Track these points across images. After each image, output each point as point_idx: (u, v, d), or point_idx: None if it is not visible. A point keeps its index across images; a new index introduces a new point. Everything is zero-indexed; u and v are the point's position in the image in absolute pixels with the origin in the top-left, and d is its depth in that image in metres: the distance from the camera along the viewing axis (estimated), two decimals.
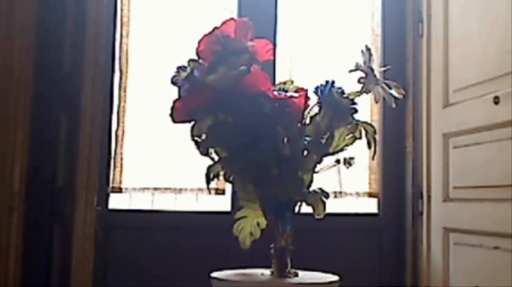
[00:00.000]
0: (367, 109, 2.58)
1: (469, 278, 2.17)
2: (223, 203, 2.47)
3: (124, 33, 2.51)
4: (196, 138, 1.35)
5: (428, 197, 2.48)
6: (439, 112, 2.44)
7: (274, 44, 2.39)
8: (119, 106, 2.47)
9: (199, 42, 1.36)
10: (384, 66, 2.49)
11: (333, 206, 1.40)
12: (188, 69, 1.36)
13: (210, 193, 2.41)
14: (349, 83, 1.40)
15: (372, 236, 2.62)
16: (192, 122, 1.35)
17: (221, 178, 1.38)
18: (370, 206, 2.66)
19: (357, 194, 2.60)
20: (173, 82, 1.37)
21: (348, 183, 2.53)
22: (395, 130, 2.64)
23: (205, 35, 1.36)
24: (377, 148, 1.41)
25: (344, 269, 1.59)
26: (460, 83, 2.30)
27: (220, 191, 2.45)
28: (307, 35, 2.64)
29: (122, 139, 2.45)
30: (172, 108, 1.34)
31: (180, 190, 2.46)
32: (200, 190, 2.45)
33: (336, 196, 2.51)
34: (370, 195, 2.63)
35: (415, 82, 2.60)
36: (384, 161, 2.63)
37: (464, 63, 2.29)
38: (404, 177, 2.62)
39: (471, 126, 2.20)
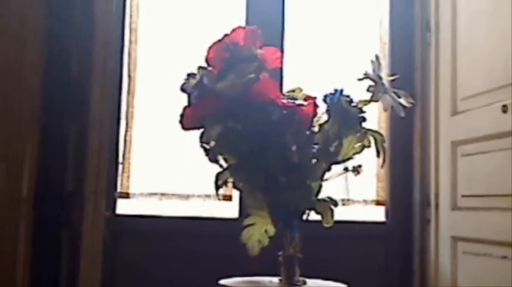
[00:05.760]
0: (374, 117, 2.58)
1: None
2: (230, 209, 2.47)
3: (133, 40, 2.52)
4: (205, 145, 1.36)
5: (436, 205, 2.47)
6: (447, 120, 2.43)
7: (282, 52, 2.39)
8: (127, 112, 2.48)
9: (208, 50, 1.36)
10: (392, 74, 2.48)
11: (340, 213, 1.40)
12: (197, 77, 1.36)
13: (219, 199, 2.41)
14: (358, 91, 1.40)
15: (379, 244, 2.61)
16: (201, 129, 1.35)
17: (228, 184, 1.39)
18: (377, 214, 2.65)
19: (364, 201, 2.59)
20: (183, 89, 1.37)
21: (355, 191, 2.53)
22: (403, 138, 2.64)
23: (215, 43, 1.36)
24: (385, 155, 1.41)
25: (352, 277, 1.58)
26: (468, 91, 2.30)
27: (227, 198, 2.45)
28: (315, 42, 2.65)
29: (130, 145, 2.46)
30: (182, 115, 1.34)
31: (188, 196, 2.46)
32: (208, 196, 2.45)
33: (343, 204, 2.50)
34: (378, 203, 2.62)
35: (423, 90, 2.59)
36: (391, 169, 2.63)
37: (472, 71, 2.28)
38: (412, 185, 2.61)
39: (479, 134, 2.20)
